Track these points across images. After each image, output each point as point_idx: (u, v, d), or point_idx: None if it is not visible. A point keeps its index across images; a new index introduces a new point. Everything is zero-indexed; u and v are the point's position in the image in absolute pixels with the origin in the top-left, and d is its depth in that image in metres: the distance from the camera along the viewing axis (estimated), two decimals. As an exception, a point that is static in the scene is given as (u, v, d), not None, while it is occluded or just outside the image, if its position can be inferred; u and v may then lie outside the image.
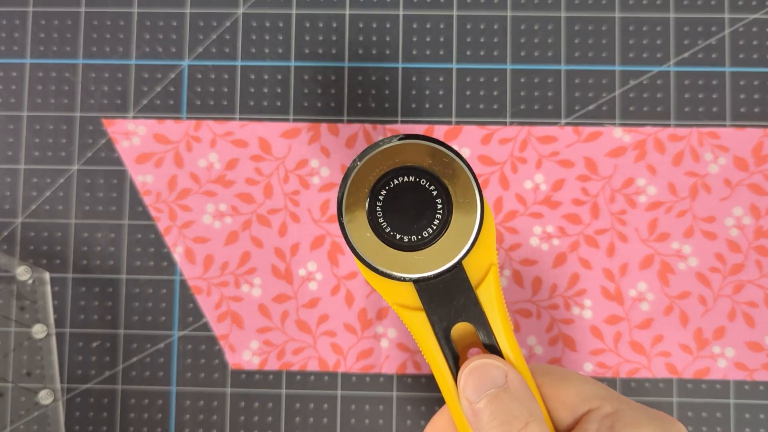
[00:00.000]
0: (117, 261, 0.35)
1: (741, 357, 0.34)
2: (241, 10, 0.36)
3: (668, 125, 0.35)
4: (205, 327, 0.35)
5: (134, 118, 0.36)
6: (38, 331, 0.32)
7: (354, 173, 0.22)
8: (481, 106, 0.35)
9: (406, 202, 0.22)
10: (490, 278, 0.23)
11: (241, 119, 0.36)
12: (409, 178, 0.22)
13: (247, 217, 0.35)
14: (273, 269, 0.35)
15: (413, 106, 0.35)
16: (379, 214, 0.22)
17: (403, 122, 0.35)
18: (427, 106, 0.35)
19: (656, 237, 0.34)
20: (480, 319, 0.23)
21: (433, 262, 0.22)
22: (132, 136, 0.36)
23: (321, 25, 0.36)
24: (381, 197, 0.22)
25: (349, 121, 0.35)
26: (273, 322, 0.35)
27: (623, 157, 0.35)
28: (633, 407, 0.22)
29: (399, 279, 0.22)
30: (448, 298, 0.23)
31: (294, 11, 0.36)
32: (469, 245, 0.22)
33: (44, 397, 0.33)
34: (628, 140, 0.35)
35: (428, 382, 0.35)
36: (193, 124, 0.36)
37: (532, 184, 0.35)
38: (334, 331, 0.35)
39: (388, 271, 0.22)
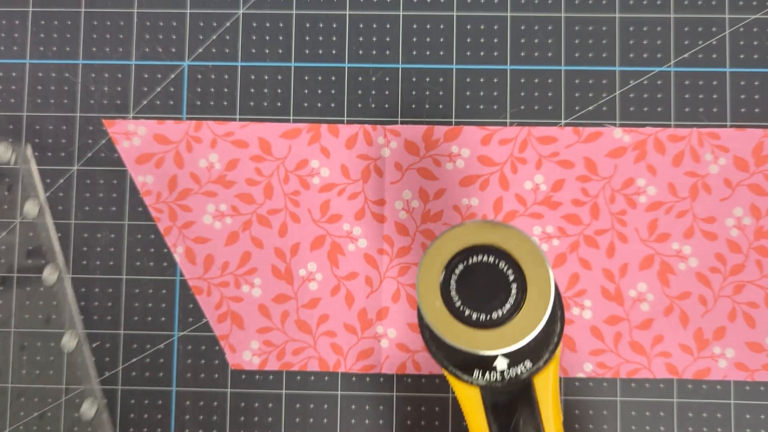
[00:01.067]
0: (117, 261, 0.35)
1: (741, 357, 0.34)
2: (241, 11, 0.36)
3: (668, 126, 0.35)
4: (206, 327, 0.35)
5: (134, 118, 0.36)
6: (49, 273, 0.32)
7: (429, 251, 0.22)
8: (481, 107, 0.35)
9: (480, 280, 0.22)
10: (550, 386, 0.23)
11: (241, 120, 0.36)
12: (487, 258, 0.22)
13: (247, 218, 0.35)
14: (273, 269, 0.35)
15: (413, 106, 0.35)
16: (453, 292, 0.22)
17: (403, 122, 0.35)
18: (427, 106, 0.35)
19: (656, 237, 0.34)
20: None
21: (515, 336, 0.22)
22: (132, 136, 0.36)
23: (321, 25, 0.36)
24: (454, 276, 0.22)
25: (349, 122, 0.36)
26: (273, 323, 0.35)
27: (623, 157, 0.35)
28: None
29: (470, 355, 0.22)
30: (511, 407, 0.23)
31: (294, 11, 0.36)
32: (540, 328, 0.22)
33: (68, 340, 0.32)
34: (628, 141, 0.35)
35: (428, 382, 0.35)
36: (193, 124, 0.36)
37: (532, 184, 0.35)
38: (334, 331, 0.35)
39: (457, 344, 0.22)
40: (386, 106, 0.36)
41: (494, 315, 0.22)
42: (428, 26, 0.36)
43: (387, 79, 0.36)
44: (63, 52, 0.36)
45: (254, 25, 0.36)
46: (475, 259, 0.22)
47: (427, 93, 0.36)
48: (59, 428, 0.34)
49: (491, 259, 0.22)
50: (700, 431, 0.34)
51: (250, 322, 0.35)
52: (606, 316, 0.34)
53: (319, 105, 0.36)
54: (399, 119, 0.36)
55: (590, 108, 0.35)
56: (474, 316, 0.22)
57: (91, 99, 0.36)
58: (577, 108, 0.35)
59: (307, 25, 0.36)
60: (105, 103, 0.36)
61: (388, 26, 0.36)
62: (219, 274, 0.35)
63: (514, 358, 0.23)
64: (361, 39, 0.36)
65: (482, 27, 0.36)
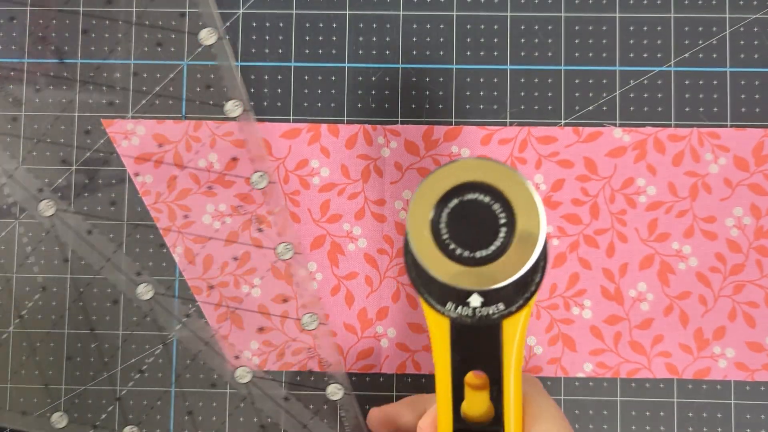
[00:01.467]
0: (116, 261, 0.35)
1: (741, 357, 0.34)
2: (241, 10, 0.36)
3: (668, 125, 0.35)
4: (205, 327, 0.35)
5: (133, 118, 0.36)
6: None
7: (426, 180, 0.22)
8: (481, 107, 0.35)
9: (471, 218, 0.22)
10: (517, 335, 0.23)
11: (240, 119, 0.36)
12: (483, 197, 0.22)
13: (246, 218, 0.35)
14: (273, 270, 0.35)
15: (413, 106, 0.35)
16: (443, 224, 0.22)
17: (402, 122, 0.35)
18: (427, 106, 0.35)
19: (656, 237, 0.34)
20: (495, 378, 0.24)
21: (494, 278, 0.22)
22: (131, 136, 0.36)
23: (321, 25, 0.36)
24: (447, 210, 0.22)
25: (349, 122, 0.35)
26: (273, 323, 0.35)
27: (623, 157, 0.35)
28: None
29: (449, 288, 0.22)
30: (476, 344, 0.24)
31: (294, 11, 0.36)
32: (525, 271, 0.22)
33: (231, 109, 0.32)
34: (628, 140, 0.35)
35: (428, 382, 0.35)
36: (193, 124, 0.35)
37: (532, 183, 0.35)
38: (334, 331, 0.35)
39: (440, 278, 0.22)
40: (386, 106, 0.36)
41: (477, 254, 0.22)
42: (428, 26, 0.36)
43: (387, 79, 0.36)
44: (62, 51, 0.36)
45: (254, 24, 0.36)
46: (471, 196, 0.22)
47: (427, 93, 0.36)
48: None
49: (487, 199, 0.22)
50: (700, 431, 0.34)
51: (249, 323, 0.35)
52: (606, 316, 0.34)
53: (319, 105, 0.36)
54: (399, 119, 0.36)
55: (590, 108, 0.35)
56: (458, 251, 0.22)
57: (90, 99, 0.36)
58: (577, 108, 0.35)
59: (307, 25, 0.36)
60: (104, 102, 0.36)
61: (388, 26, 0.36)
62: (218, 274, 0.35)
63: (488, 298, 0.23)
64: (361, 39, 0.36)
65: (482, 27, 0.36)
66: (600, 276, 0.34)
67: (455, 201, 0.22)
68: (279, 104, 0.36)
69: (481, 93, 0.35)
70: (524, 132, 0.35)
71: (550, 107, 0.35)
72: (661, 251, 0.34)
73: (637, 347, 0.34)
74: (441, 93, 0.35)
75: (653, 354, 0.34)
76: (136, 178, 0.35)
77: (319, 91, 0.36)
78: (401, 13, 0.36)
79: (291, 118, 0.36)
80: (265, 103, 0.36)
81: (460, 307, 0.23)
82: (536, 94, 0.35)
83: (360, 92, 0.36)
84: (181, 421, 0.35)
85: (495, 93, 0.35)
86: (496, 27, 0.36)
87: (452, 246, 0.22)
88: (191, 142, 0.35)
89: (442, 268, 0.22)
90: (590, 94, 0.35)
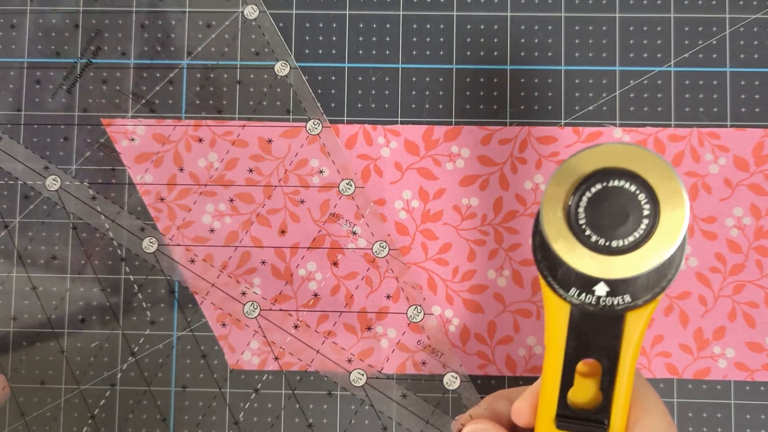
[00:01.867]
0: (116, 261, 0.35)
1: (741, 357, 0.34)
2: (240, 10, 0.36)
3: (668, 125, 0.35)
4: (205, 327, 0.35)
5: (133, 117, 0.36)
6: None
7: (568, 162, 0.22)
8: (481, 107, 0.35)
9: (613, 205, 0.21)
10: (639, 329, 0.23)
11: (240, 119, 0.36)
12: (629, 185, 0.21)
13: (246, 217, 0.35)
14: (273, 269, 0.35)
15: (413, 106, 0.35)
16: (581, 209, 0.22)
17: (402, 122, 0.35)
18: (427, 106, 0.35)
19: (656, 237, 0.34)
20: (609, 369, 0.23)
21: (626, 268, 0.21)
22: (131, 135, 0.36)
23: (321, 25, 0.36)
24: (588, 194, 0.22)
25: (349, 122, 0.35)
26: (273, 323, 0.35)
27: (623, 157, 0.35)
28: None
29: (577, 276, 0.22)
30: (595, 334, 0.23)
31: (294, 11, 0.36)
32: (667, 257, 0.21)
33: (280, 69, 0.33)
34: (628, 140, 0.35)
35: (428, 382, 0.35)
36: (193, 124, 0.35)
37: (532, 184, 0.35)
38: (334, 331, 0.35)
39: (572, 264, 0.22)
40: (386, 105, 0.36)
41: (614, 243, 0.21)
42: (428, 26, 0.36)
43: (387, 79, 0.36)
44: (62, 51, 0.36)
45: (254, 24, 0.36)
46: (616, 183, 0.21)
47: (427, 93, 0.35)
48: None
49: (633, 188, 0.21)
50: (700, 431, 0.34)
51: (249, 322, 0.35)
52: None
53: (319, 105, 0.36)
54: (399, 119, 0.36)
55: (590, 108, 0.35)
56: (593, 238, 0.22)
57: (90, 98, 0.36)
58: (577, 108, 0.35)
59: (307, 25, 0.36)
60: (104, 102, 0.36)
61: (388, 26, 0.36)
62: (218, 273, 0.35)
63: (615, 288, 0.22)
64: (361, 39, 0.36)
65: (482, 27, 0.36)
66: (600, 276, 0.34)
67: (599, 186, 0.21)
68: (278, 104, 0.36)
69: (481, 93, 0.35)
70: (524, 132, 0.35)
71: (550, 107, 0.35)
72: (661, 251, 0.34)
73: (637, 347, 0.34)
74: (441, 93, 0.35)
75: (653, 354, 0.34)
76: (136, 178, 0.35)
77: (319, 91, 0.36)
78: (401, 13, 0.36)
79: (291, 118, 0.36)
80: (265, 103, 0.36)
81: (584, 295, 0.23)
82: (536, 94, 0.35)
83: (360, 92, 0.36)
84: (181, 421, 0.35)
85: (495, 93, 0.35)
86: (496, 27, 0.36)
87: (588, 232, 0.22)
88: (191, 142, 0.35)
89: (573, 254, 0.22)
90: (590, 94, 0.35)
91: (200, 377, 0.35)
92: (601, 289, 0.22)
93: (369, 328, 0.34)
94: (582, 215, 0.22)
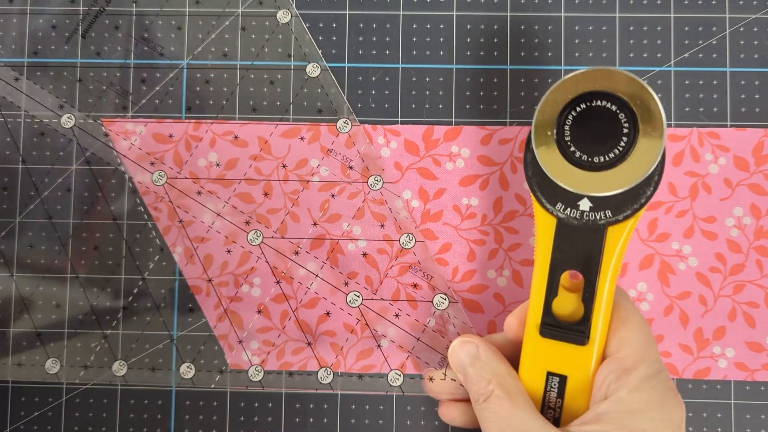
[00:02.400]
0: (116, 261, 0.35)
1: (741, 357, 0.34)
2: (240, 10, 0.36)
3: (669, 125, 0.35)
4: (205, 327, 0.35)
5: (133, 117, 0.36)
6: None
7: (558, 83, 0.24)
8: (481, 107, 0.35)
9: (596, 124, 0.23)
10: (620, 244, 0.25)
11: (240, 119, 0.36)
12: (601, 102, 0.23)
13: (246, 217, 0.35)
14: (272, 269, 0.35)
15: (413, 106, 0.35)
16: (567, 127, 0.23)
17: (403, 122, 0.35)
18: (427, 106, 0.35)
19: (656, 237, 0.34)
20: (590, 281, 0.25)
21: (607, 185, 0.23)
22: (131, 135, 0.36)
23: (321, 25, 0.36)
24: (574, 113, 0.23)
25: (352, 122, 0.35)
26: (272, 322, 0.35)
27: (623, 157, 0.35)
28: (648, 378, 0.25)
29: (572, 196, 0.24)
30: (579, 246, 0.25)
31: (294, 11, 0.36)
32: (650, 172, 0.23)
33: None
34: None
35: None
36: (193, 123, 0.36)
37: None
38: (333, 331, 0.35)
39: (564, 185, 0.24)
40: (386, 105, 0.36)
41: (596, 159, 0.23)
42: (428, 26, 0.36)
43: (387, 79, 0.36)
44: (62, 51, 0.36)
45: (253, 24, 0.36)
46: (599, 103, 0.23)
47: (427, 93, 0.36)
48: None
49: (614, 107, 0.23)
50: (700, 431, 0.34)
51: (249, 322, 0.35)
52: None
53: (319, 105, 0.36)
54: (399, 119, 0.36)
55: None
56: (578, 154, 0.23)
57: (90, 98, 0.36)
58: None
59: (307, 25, 0.36)
60: (104, 102, 0.36)
61: (388, 26, 0.36)
62: (218, 273, 0.35)
63: (597, 203, 0.24)
64: (361, 39, 0.36)
65: (482, 27, 0.36)
66: (600, 276, 0.34)
67: (583, 105, 0.23)
68: (279, 104, 0.36)
69: (481, 93, 0.35)
70: (524, 132, 0.35)
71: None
72: (661, 251, 0.34)
73: (637, 347, 0.34)
74: (441, 93, 0.35)
75: (653, 354, 0.34)
76: (136, 178, 0.35)
77: (319, 91, 0.36)
78: (401, 13, 0.36)
79: (291, 117, 0.36)
80: (265, 103, 0.36)
81: (569, 209, 0.24)
82: (536, 94, 0.35)
83: (360, 92, 0.36)
84: (181, 421, 0.35)
85: (495, 93, 0.35)
86: (496, 27, 0.36)
87: (573, 149, 0.23)
88: (191, 142, 0.35)
89: (559, 169, 0.24)
90: (590, 94, 0.35)
91: (200, 377, 0.35)
92: (584, 204, 0.24)
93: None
94: (568, 132, 0.23)
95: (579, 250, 0.25)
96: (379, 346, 0.34)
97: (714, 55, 0.35)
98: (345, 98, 0.35)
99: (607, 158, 0.23)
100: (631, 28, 0.35)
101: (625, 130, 0.23)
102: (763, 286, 0.34)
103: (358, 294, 0.34)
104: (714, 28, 0.35)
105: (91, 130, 0.36)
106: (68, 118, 0.35)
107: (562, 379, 0.27)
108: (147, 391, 0.35)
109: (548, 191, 0.25)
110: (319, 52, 0.36)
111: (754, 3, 0.35)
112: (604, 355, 0.27)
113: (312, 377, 0.35)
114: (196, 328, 0.35)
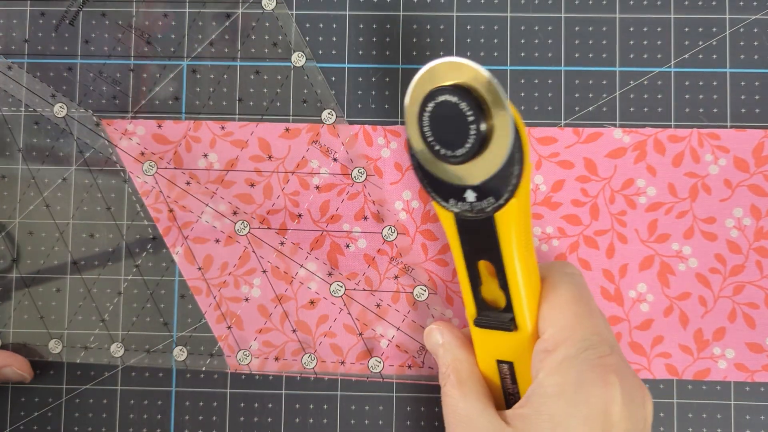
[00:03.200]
0: (116, 262, 0.35)
1: (741, 358, 0.34)
2: (240, 10, 0.36)
3: (668, 126, 0.35)
4: (205, 328, 0.35)
5: (133, 118, 0.36)
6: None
7: (410, 88, 0.24)
8: (481, 107, 0.35)
9: (447, 118, 0.23)
10: (513, 227, 0.25)
11: (240, 119, 0.36)
12: (445, 97, 0.23)
13: (246, 218, 0.35)
14: (273, 270, 0.35)
15: (413, 106, 0.35)
16: (426, 127, 0.24)
17: (402, 123, 0.35)
18: (427, 106, 0.35)
19: (656, 238, 0.34)
20: (499, 268, 0.26)
21: (477, 174, 0.24)
22: (131, 136, 0.36)
23: (321, 25, 0.36)
24: (426, 114, 0.23)
25: (349, 122, 0.35)
26: (272, 323, 0.35)
27: (623, 158, 0.35)
28: (567, 359, 0.25)
29: (452, 187, 0.25)
30: (478, 236, 0.26)
31: (294, 11, 0.36)
32: (503, 164, 0.23)
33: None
34: (628, 141, 0.35)
35: (428, 382, 0.35)
36: (192, 124, 0.35)
37: (532, 185, 0.35)
38: (333, 332, 0.35)
39: (443, 178, 0.24)
40: (386, 106, 0.36)
41: (458, 152, 0.23)
42: (428, 26, 0.36)
43: (387, 79, 0.36)
44: (61, 51, 0.36)
45: (253, 24, 0.36)
46: (441, 98, 0.23)
47: (427, 93, 0.35)
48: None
49: (455, 98, 0.23)
50: (699, 432, 0.34)
51: (249, 323, 0.35)
52: (606, 317, 0.34)
53: (319, 105, 0.36)
54: (399, 119, 0.36)
55: (590, 108, 0.35)
56: (442, 151, 0.23)
57: (90, 98, 0.36)
58: (577, 108, 0.35)
59: (307, 25, 0.36)
60: (104, 102, 0.36)
61: (388, 26, 0.36)
62: (218, 274, 0.35)
63: (479, 192, 0.24)
64: (361, 39, 0.36)
65: (482, 27, 0.36)
66: (600, 277, 0.34)
67: (431, 104, 0.23)
68: (278, 104, 0.36)
69: (481, 93, 0.35)
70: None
71: (550, 108, 0.35)
72: (661, 252, 0.34)
73: (637, 348, 0.34)
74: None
75: (653, 355, 0.34)
76: (135, 178, 0.35)
77: (319, 92, 0.36)
78: (401, 13, 0.36)
79: (291, 118, 0.36)
80: (265, 103, 0.36)
81: (459, 203, 0.25)
82: (536, 94, 0.35)
83: (360, 93, 0.36)
84: (181, 421, 0.35)
85: (495, 93, 0.35)
86: (496, 27, 0.36)
87: (437, 147, 0.24)
88: (191, 142, 0.35)
89: (436, 167, 0.24)
90: (590, 95, 0.35)
91: (200, 377, 0.35)
92: (470, 196, 0.25)
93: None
94: (428, 132, 0.24)
95: (480, 241, 0.26)
96: (367, 349, 0.34)
97: (714, 56, 0.35)
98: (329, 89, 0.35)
99: (465, 149, 0.23)
100: (631, 29, 0.35)
101: (471, 119, 0.23)
102: (763, 287, 0.34)
103: (341, 284, 0.34)
104: (714, 29, 0.35)
105: (90, 129, 0.36)
106: (60, 107, 0.35)
107: (510, 365, 0.28)
108: (147, 392, 0.35)
109: (438, 189, 0.25)
110: (304, 41, 0.36)
111: (754, 4, 0.35)
112: (538, 337, 0.27)
113: (311, 377, 0.35)
114: (196, 329, 0.35)
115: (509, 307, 0.27)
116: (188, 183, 0.35)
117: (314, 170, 0.35)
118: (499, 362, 0.28)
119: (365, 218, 0.35)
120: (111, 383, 0.35)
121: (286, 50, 0.36)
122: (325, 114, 0.35)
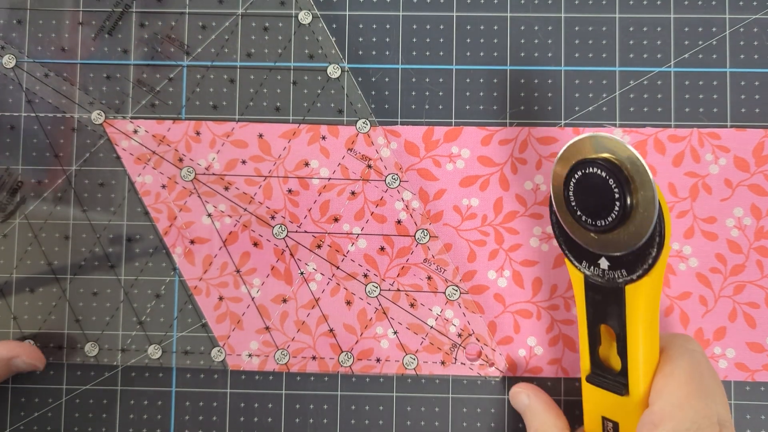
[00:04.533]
0: (116, 262, 0.35)
1: (742, 358, 0.34)
2: (240, 10, 0.36)
3: (668, 126, 0.35)
4: (205, 328, 0.35)
5: (133, 118, 0.36)
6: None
7: (561, 153, 0.26)
8: (481, 107, 0.35)
9: (593, 189, 0.24)
10: (641, 302, 0.25)
11: (240, 120, 0.36)
12: (594, 170, 0.24)
13: (246, 218, 0.35)
14: (272, 270, 0.35)
15: (413, 107, 0.35)
16: (571, 194, 0.25)
17: (402, 123, 0.35)
18: (426, 106, 0.35)
19: (656, 238, 0.34)
20: (620, 336, 0.26)
21: (614, 246, 0.25)
22: (131, 136, 0.36)
23: (321, 25, 0.36)
24: (573, 180, 0.25)
25: (349, 122, 0.35)
26: (272, 323, 0.35)
27: (623, 157, 0.35)
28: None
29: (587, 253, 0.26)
30: (605, 302, 0.26)
31: (293, 12, 0.36)
32: (644, 241, 0.24)
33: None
34: (628, 141, 0.35)
35: (428, 382, 0.35)
36: (192, 124, 0.35)
37: (532, 185, 0.35)
38: (333, 332, 0.35)
39: (583, 244, 0.26)
40: (386, 106, 0.36)
41: (599, 223, 0.24)
42: (428, 26, 0.36)
43: (387, 79, 0.36)
44: (61, 51, 0.36)
45: (253, 25, 0.36)
46: (591, 170, 0.24)
47: (427, 93, 0.35)
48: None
49: (604, 173, 0.24)
50: (700, 432, 0.34)
51: (249, 323, 0.35)
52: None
53: (319, 105, 0.36)
54: (399, 119, 0.36)
55: (590, 108, 0.35)
56: (584, 218, 0.25)
57: (90, 99, 0.36)
58: (577, 108, 0.35)
59: (307, 25, 0.36)
60: (104, 102, 0.36)
61: (388, 26, 0.36)
62: (218, 274, 0.35)
63: (613, 263, 0.25)
64: (361, 39, 0.36)
65: (482, 27, 0.36)
66: (600, 276, 0.34)
67: (580, 173, 0.25)
68: (278, 104, 0.36)
69: (481, 94, 0.35)
70: (524, 132, 0.35)
71: (549, 108, 0.35)
72: (661, 252, 0.34)
73: (637, 348, 0.34)
74: (441, 94, 0.35)
75: (653, 354, 0.34)
76: (135, 179, 0.35)
77: (318, 92, 0.36)
78: (401, 13, 0.36)
79: (290, 118, 0.36)
80: (265, 103, 0.36)
81: (592, 267, 0.26)
82: (536, 94, 0.35)
83: (360, 93, 0.36)
84: (181, 421, 0.35)
85: (495, 94, 0.35)
86: (496, 27, 0.36)
87: (579, 213, 0.25)
88: (191, 142, 0.35)
89: (575, 231, 0.26)
90: (590, 95, 0.35)
91: (200, 377, 0.35)
92: (603, 263, 0.25)
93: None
94: (572, 199, 0.25)
95: (606, 306, 0.26)
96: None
97: (714, 56, 0.35)
98: (365, 101, 0.35)
99: (607, 221, 0.24)
100: (631, 29, 0.35)
101: (616, 195, 0.23)
102: (764, 286, 0.34)
103: (376, 285, 0.34)
104: (714, 29, 0.35)
105: (90, 129, 0.36)
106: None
107: (615, 425, 0.28)
108: (147, 392, 0.35)
109: (573, 249, 0.27)
110: (339, 53, 0.36)
111: (754, 3, 0.35)
112: (647, 405, 0.27)
113: (311, 377, 0.35)
114: (196, 329, 0.35)
115: (624, 372, 0.27)
116: (199, 193, 0.35)
117: (314, 170, 0.35)
118: (605, 419, 0.29)
119: (367, 221, 0.35)
120: (111, 383, 0.35)
121: (286, 50, 0.36)
122: (360, 123, 0.35)
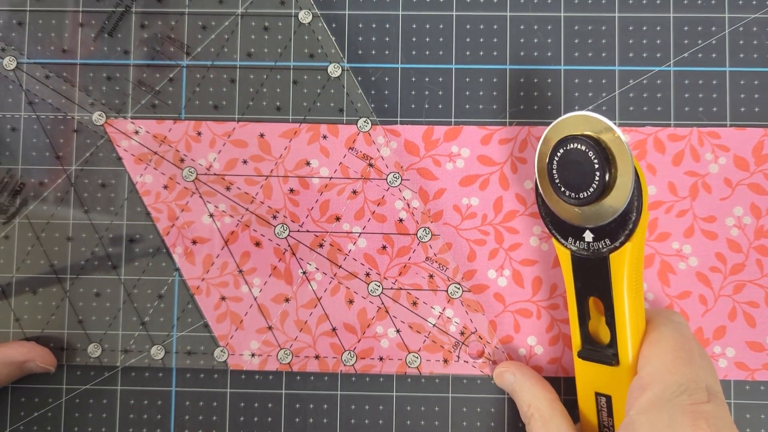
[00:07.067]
0: (116, 262, 0.35)
1: (742, 357, 0.34)
2: (240, 10, 0.36)
3: (668, 125, 0.35)
4: (205, 327, 0.35)
5: (133, 118, 0.36)
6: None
7: (544, 136, 0.27)
8: (481, 107, 0.35)
9: (574, 164, 0.26)
10: (625, 269, 0.27)
11: (240, 119, 0.36)
12: (575, 145, 0.26)
13: (246, 217, 0.35)
14: (273, 269, 0.35)
15: (413, 106, 0.35)
16: (554, 171, 0.27)
17: (402, 122, 0.35)
18: (426, 106, 0.35)
19: (656, 237, 0.34)
20: (608, 305, 0.28)
21: (597, 216, 0.26)
22: (131, 136, 0.36)
23: (321, 25, 0.36)
24: (556, 158, 0.27)
25: (349, 122, 0.35)
26: (273, 323, 0.35)
27: (623, 157, 0.35)
28: (659, 400, 0.25)
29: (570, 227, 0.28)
30: (591, 275, 0.28)
31: (293, 11, 0.36)
32: (622, 210, 0.26)
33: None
34: (628, 140, 0.35)
35: (428, 382, 0.35)
36: (192, 124, 0.36)
37: (532, 184, 0.35)
38: (334, 332, 0.35)
39: (565, 218, 0.27)
40: (386, 106, 0.36)
41: (581, 195, 0.26)
42: (428, 26, 0.36)
43: (387, 78, 0.36)
44: (61, 51, 0.36)
45: (253, 24, 0.36)
46: (572, 145, 0.26)
47: (427, 92, 0.36)
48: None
49: (583, 147, 0.26)
50: (700, 431, 0.34)
51: (249, 323, 0.35)
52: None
53: (319, 105, 0.36)
54: (399, 119, 0.36)
55: (590, 107, 0.35)
56: (567, 192, 0.26)
57: (90, 99, 0.36)
58: (576, 107, 0.35)
59: (307, 25, 0.36)
60: (103, 102, 0.36)
61: (387, 26, 0.36)
62: (218, 274, 0.35)
63: (597, 234, 0.27)
64: (361, 39, 0.36)
65: (482, 27, 0.36)
66: (600, 276, 0.34)
67: (561, 150, 0.26)
68: (278, 104, 0.36)
69: (481, 93, 0.35)
70: (524, 132, 0.35)
71: (549, 107, 0.35)
72: (661, 251, 0.34)
73: (638, 347, 0.34)
74: (441, 93, 0.35)
75: (653, 354, 0.34)
76: (135, 178, 0.35)
77: (318, 92, 0.36)
78: (401, 13, 0.36)
79: (290, 117, 0.36)
80: (265, 103, 0.36)
81: (577, 242, 0.28)
82: (536, 94, 0.35)
83: (360, 92, 0.36)
84: (181, 421, 0.35)
85: (494, 93, 0.35)
86: (495, 27, 0.36)
87: (563, 188, 0.26)
88: (191, 142, 0.35)
89: (559, 208, 0.27)
90: (590, 94, 0.35)
91: (200, 377, 0.35)
92: (588, 236, 0.27)
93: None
94: (556, 175, 0.27)
95: (593, 278, 0.28)
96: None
97: (713, 55, 0.35)
98: (368, 101, 0.35)
99: (588, 193, 0.26)
100: (631, 28, 0.35)
101: (596, 166, 0.25)
102: (764, 285, 0.34)
103: (378, 284, 0.34)
104: (713, 28, 0.35)
105: (91, 129, 0.36)
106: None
107: (608, 398, 0.29)
108: (147, 392, 0.35)
109: (559, 227, 0.28)
110: (340, 52, 0.36)
111: (754, 3, 0.35)
112: (636, 373, 0.27)
113: (311, 377, 0.35)
114: (196, 329, 0.35)
115: (613, 343, 0.28)
116: (199, 193, 0.35)
117: (314, 170, 0.35)
118: (598, 395, 0.30)
119: (368, 220, 0.35)
120: (111, 383, 0.35)
121: (286, 50, 0.36)
122: (361, 122, 0.35)
